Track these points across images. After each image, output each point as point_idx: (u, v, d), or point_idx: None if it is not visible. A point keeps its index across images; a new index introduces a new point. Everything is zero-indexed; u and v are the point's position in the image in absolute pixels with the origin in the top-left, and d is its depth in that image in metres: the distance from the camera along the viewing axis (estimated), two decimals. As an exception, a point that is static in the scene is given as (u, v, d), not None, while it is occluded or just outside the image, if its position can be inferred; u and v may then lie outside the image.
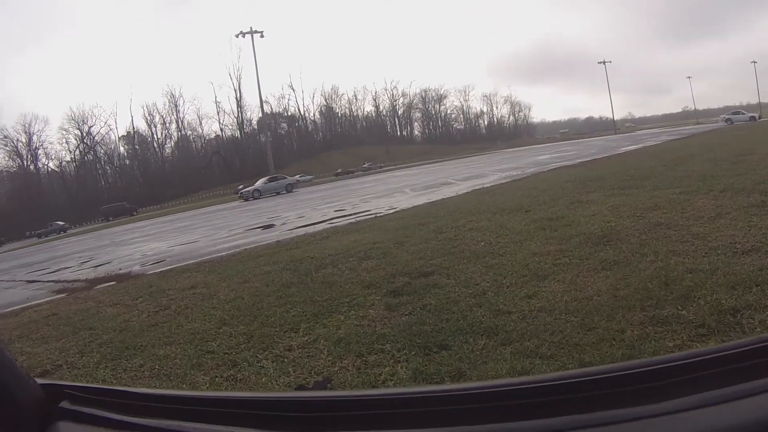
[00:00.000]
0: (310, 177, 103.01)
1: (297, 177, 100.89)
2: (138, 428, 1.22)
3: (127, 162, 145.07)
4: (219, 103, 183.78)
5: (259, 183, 63.45)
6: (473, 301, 6.07)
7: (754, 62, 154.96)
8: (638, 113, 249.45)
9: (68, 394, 1.38)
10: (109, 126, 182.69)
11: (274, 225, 21.33)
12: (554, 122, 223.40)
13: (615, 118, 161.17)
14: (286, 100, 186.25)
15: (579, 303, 5.44)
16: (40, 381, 1.36)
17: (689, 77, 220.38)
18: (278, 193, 59.36)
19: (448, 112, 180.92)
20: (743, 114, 79.46)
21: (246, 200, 58.11)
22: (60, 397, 1.37)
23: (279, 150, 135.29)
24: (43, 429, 1.29)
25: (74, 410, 1.33)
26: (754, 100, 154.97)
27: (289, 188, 61.86)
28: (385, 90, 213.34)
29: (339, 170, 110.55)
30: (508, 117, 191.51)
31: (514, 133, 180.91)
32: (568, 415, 0.91)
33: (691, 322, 4.54)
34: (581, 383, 0.97)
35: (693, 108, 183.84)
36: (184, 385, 5.22)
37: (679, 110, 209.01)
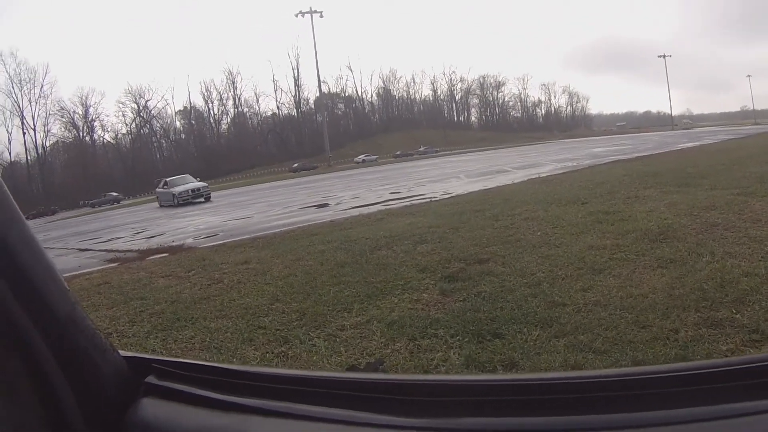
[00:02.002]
0: (375, 157, 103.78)
1: (363, 156, 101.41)
2: (234, 407, 1.19)
3: (183, 136, 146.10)
4: (277, 81, 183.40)
5: (192, 183, 43.31)
6: (528, 291, 6.08)
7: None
8: (696, 110, 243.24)
9: (155, 369, 1.33)
10: (165, 100, 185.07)
11: (328, 204, 21.46)
12: (611, 115, 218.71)
13: (673, 114, 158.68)
14: (344, 81, 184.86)
15: (634, 299, 5.42)
16: (124, 354, 1.31)
17: (749, 76, 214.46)
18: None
19: (506, 99, 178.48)
20: None
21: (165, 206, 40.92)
22: (146, 372, 1.32)
23: (335, 130, 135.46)
24: (127, 404, 1.23)
25: (161, 386, 1.28)
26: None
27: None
28: (444, 74, 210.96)
29: (398, 152, 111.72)
30: (566, 107, 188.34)
31: (571, 123, 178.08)
32: (607, 413, 0.93)
33: (745, 327, 4.51)
34: (624, 382, 0.99)
35: (752, 107, 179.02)
36: (234, 359, 5.29)
37: (738, 109, 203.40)
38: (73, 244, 20.68)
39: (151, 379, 1.31)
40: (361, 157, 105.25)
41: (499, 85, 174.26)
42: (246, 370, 1.39)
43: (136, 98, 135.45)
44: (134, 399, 1.25)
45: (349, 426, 1.07)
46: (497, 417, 1.01)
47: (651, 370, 1.00)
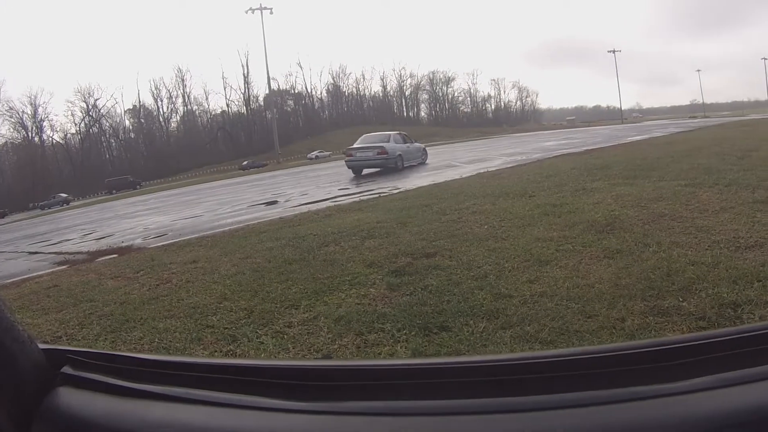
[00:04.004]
0: (328, 153, 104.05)
1: (316, 153, 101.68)
2: (142, 394, 1.20)
3: (132, 136, 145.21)
4: (226, 78, 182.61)
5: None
6: (475, 283, 6.08)
7: (765, 59, 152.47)
8: (646, 104, 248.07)
9: (70, 359, 1.34)
10: (115, 99, 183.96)
11: (277, 201, 21.32)
12: (561, 109, 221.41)
13: (622, 108, 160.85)
14: (294, 78, 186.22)
15: (580, 290, 5.45)
16: (42, 346, 1.33)
17: (699, 70, 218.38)
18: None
19: (456, 94, 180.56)
20: None
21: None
22: (62, 362, 1.34)
23: (285, 127, 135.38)
24: (43, 394, 1.25)
25: (76, 375, 1.31)
26: (762, 97, 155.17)
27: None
28: (393, 70, 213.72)
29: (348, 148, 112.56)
30: (516, 102, 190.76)
31: (521, 118, 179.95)
32: (567, 392, 0.92)
33: (691, 314, 4.57)
34: (581, 360, 0.98)
35: (701, 101, 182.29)
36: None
37: (687, 103, 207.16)
38: (23, 247, 20.25)
39: (67, 369, 1.34)
40: (315, 153, 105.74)
41: (448, 81, 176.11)
42: (154, 359, 1.41)
43: (85, 97, 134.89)
44: (50, 389, 1.27)
45: (244, 410, 1.10)
46: (413, 400, 1.02)
47: (595, 350, 1.00)
